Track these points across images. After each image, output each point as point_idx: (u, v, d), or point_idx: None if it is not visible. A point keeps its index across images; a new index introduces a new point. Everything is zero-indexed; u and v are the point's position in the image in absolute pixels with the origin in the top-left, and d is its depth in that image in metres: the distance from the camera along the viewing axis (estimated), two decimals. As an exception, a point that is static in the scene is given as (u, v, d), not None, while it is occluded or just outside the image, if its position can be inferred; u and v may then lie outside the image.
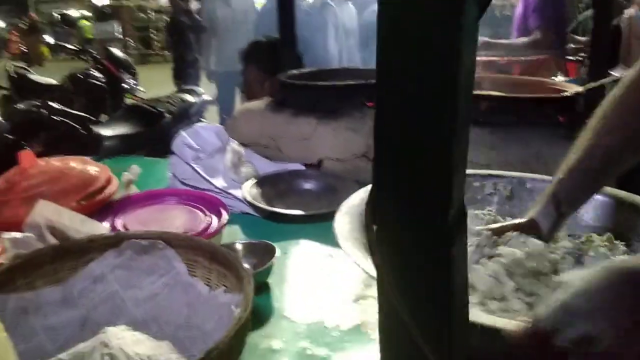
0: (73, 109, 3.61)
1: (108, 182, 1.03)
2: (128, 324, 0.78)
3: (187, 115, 3.53)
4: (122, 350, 0.71)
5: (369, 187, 0.82)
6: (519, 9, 3.71)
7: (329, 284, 0.93)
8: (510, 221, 0.82)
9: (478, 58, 3.01)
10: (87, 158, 1.08)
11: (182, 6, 4.80)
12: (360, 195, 0.87)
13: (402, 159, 0.30)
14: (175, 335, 0.79)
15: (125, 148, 2.81)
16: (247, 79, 2.04)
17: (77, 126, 2.70)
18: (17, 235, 0.86)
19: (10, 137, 2.59)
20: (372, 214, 0.32)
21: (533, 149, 1.16)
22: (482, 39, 4.30)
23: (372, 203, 0.32)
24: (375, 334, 0.79)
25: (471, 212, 0.91)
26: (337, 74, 1.56)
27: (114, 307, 0.85)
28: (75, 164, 1.03)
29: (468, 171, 0.91)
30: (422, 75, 0.28)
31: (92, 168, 1.04)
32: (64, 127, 2.67)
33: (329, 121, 1.31)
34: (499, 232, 0.79)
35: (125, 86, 4.70)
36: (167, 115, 3.35)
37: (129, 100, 4.39)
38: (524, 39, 3.44)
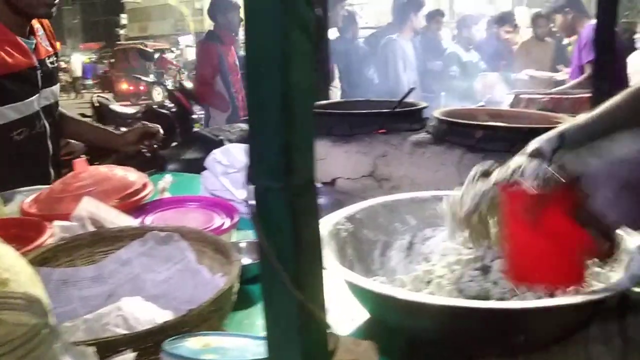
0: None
1: (144, 187, 1.24)
2: (144, 299, 0.96)
3: (243, 143, 3.81)
4: (132, 314, 0.89)
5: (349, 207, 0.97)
6: (576, 45, 3.77)
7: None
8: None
9: (522, 95, 3.11)
10: (130, 168, 1.31)
11: None
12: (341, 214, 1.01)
13: (260, 139, 0.47)
14: (178, 308, 0.95)
15: (185, 169, 3.09)
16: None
17: (143, 149, 2.99)
18: (64, 223, 1.07)
19: (85, 156, 2.91)
20: (249, 177, 0.49)
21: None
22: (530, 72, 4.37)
23: (248, 168, 0.49)
24: (341, 317, 0.93)
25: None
26: (359, 104, 1.73)
27: (135, 286, 1.04)
28: (119, 171, 1.25)
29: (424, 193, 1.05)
30: (269, 83, 0.45)
31: (132, 175, 1.25)
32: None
33: (342, 144, 1.48)
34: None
35: (195, 116, 5.07)
36: (226, 142, 3.62)
37: (196, 129, 4.74)
38: (578, 80, 3.50)
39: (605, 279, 0.83)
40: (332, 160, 1.48)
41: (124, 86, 11.56)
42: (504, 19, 4.97)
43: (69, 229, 1.07)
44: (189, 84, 5.31)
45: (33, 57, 1.62)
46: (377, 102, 1.73)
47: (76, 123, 1.98)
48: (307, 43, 0.46)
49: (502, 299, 0.80)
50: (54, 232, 1.06)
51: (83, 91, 15.02)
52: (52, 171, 1.72)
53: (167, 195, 1.32)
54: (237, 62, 4.35)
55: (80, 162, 1.22)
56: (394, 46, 4.02)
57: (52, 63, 1.73)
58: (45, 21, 1.76)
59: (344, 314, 0.93)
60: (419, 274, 0.87)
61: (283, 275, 0.48)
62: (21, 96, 1.58)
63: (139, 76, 5.02)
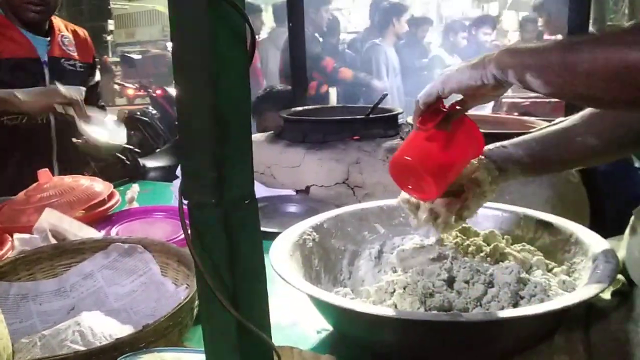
0: (130, 143, 3.95)
1: (110, 197, 1.22)
2: (105, 313, 0.94)
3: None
4: (90, 329, 0.87)
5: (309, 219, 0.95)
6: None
7: (284, 292, 1.05)
8: None
9: (504, 100, 3.11)
10: (96, 178, 1.28)
11: None
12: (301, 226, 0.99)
13: (191, 153, 0.45)
14: (139, 322, 0.93)
15: (167, 177, 3.06)
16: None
17: (122, 157, 2.96)
18: (25, 236, 1.05)
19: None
20: (182, 192, 0.47)
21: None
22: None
23: (182, 184, 0.47)
24: (307, 329, 0.91)
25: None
26: (335, 111, 1.71)
27: (98, 300, 1.01)
28: (84, 181, 1.23)
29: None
30: (197, 93, 0.43)
31: (98, 185, 1.23)
32: (110, 158, 2.94)
33: (316, 151, 1.46)
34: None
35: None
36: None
37: (180, 136, 4.70)
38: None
39: (570, 286, 0.82)
40: (306, 167, 1.47)
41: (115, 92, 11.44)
42: (482, 21, 4.98)
43: (29, 242, 1.04)
44: (173, 90, 5.28)
45: (37, 51, 1.73)
46: (353, 108, 1.72)
47: None
48: (240, 51, 0.44)
49: (465, 310, 0.78)
50: (14, 245, 1.03)
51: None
52: (56, 166, 1.79)
53: (135, 205, 1.30)
54: (260, 65, 4.40)
55: (44, 173, 1.19)
56: (377, 51, 4.03)
57: (72, 66, 1.85)
58: (84, 35, 1.95)
59: (308, 327, 0.91)
60: (382, 285, 0.85)
61: (218, 293, 0.46)
62: (17, 84, 1.61)
63: (122, 83, 4.98)
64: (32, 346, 0.86)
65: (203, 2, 0.41)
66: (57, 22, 1.87)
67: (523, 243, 0.94)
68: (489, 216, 0.99)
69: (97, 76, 2.02)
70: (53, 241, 1.06)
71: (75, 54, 1.88)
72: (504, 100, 3.00)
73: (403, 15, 4.21)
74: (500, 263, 0.86)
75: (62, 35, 1.85)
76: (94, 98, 1.97)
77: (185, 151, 0.46)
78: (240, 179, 0.46)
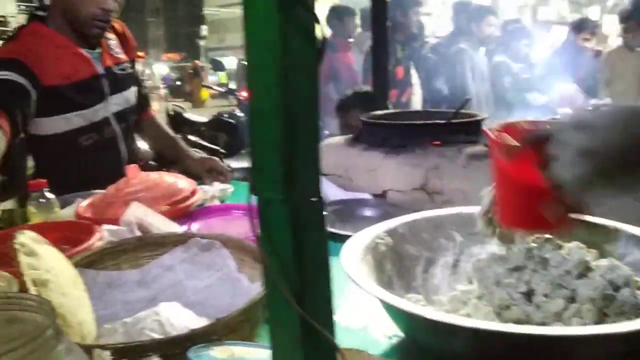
0: (216, 144, 4.10)
1: (192, 194, 1.26)
2: (182, 305, 0.97)
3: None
4: (167, 319, 0.90)
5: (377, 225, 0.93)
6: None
7: (355, 295, 1.04)
8: None
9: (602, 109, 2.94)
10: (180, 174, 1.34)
11: None
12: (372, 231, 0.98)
13: (260, 149, 0.46)
14: (213, 315, 0.95)
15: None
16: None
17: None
18: (113, 227, 1.11)
19: (153, 163, 3.03)
20: (252, 187, 0.48)
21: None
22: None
23: (252, 180, 0.48)
24: (378, 334, 0.90)
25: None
26: (416, 115, 1.69)
27: (177, 292, 1.05)
28: (169, 178, 1.28)
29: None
30: (269, 92, 0.44)
31: (182, 182, 1.28)
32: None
33: (393, 156, 1.45)
34: None
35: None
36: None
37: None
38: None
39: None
40: (383, 171, 1.45)
41: (199, 95, 11.89)
42: (582, 26, 4.70)
43: (116, 233, 1.10)
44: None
45: (96, 67, 1.67)
46: (435, 112, 1.69)
47: (163, 138, 2.05)
48: (310, 51, 0.45)
49: (543, 324, 0.74)
50: (102, 236, 1.09)
51: (169, 100, 15.47)
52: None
53: (216, 202, 1.34)
54: (355, 67, 4.51)
55: (132, 168, 1.26)
56: (463, 55, 3.93)
57: (122, 70, 1.78)
58: (122, 29, 1.84)
59: (379, 332, 0.90)
60: (457, 294, 0.83)
61: (283, 289, 0.46)
62: (87, 104, 1.63)
63: (209, 85, 5.20)
64: (114, 332, 0.90)
65: (275, 3, 0.42)
66: None
67: (610, 258, 0.88)
68: (575, 229, 0.94)
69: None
70: (138, 233, 1.11)
71: (122, 56, 1.79)
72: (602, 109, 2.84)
73: (485, 19, 4.07)
74: (584, 278, 0.81)
75: (108, 39, 1.76)
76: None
77: (254, 147, 0.46)
78: (307, 176, 0.46)
